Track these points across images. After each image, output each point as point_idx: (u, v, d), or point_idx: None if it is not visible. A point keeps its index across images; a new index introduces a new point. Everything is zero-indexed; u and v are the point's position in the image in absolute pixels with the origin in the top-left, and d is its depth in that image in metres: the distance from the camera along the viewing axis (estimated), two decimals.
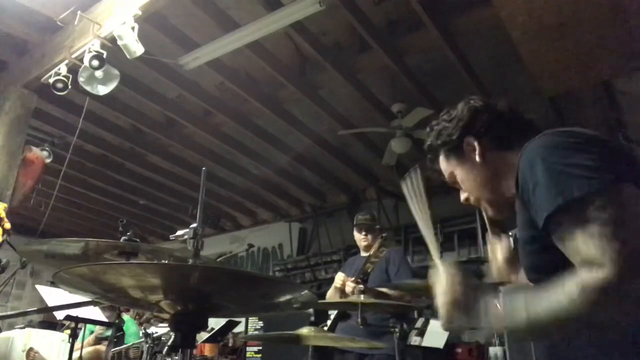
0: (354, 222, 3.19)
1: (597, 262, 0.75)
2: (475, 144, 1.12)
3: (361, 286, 2.52)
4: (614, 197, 0.79)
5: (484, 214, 1.35)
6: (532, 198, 0.87)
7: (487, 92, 4.27)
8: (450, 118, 1.18)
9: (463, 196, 1.21)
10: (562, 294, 0.78)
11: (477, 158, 1.12)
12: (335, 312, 2.96)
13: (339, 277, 2.82)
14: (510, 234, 1.35)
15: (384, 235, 2.59)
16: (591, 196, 0.78)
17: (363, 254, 3.11)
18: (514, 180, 0.94)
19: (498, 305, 0.90)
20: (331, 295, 2.90)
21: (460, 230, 5.62)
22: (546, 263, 0.91)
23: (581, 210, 0.78)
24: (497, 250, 1.35)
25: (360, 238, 3.14)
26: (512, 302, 0.87)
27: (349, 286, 2.66)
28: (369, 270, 2.62)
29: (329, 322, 2.97)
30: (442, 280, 1.01)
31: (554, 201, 0.81)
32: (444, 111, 1.22)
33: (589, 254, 0.76)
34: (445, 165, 1.21)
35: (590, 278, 0.75)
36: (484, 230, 1.39)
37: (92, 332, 3.45)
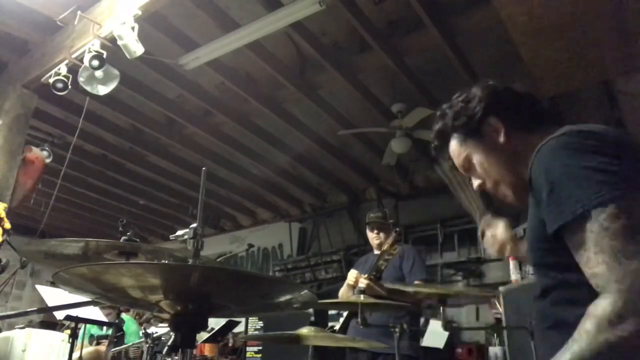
0: (366, 221, 3.16)
1: (601, 282, 0.75)
2: (500, 124, 1.07)
3: (362, 285, 2.51)
4: (629, 205, 0.77)
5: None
6: (546, 200, 0.85)
7: None
8: (469, 99, 1.12)
9: (477, 183, 1.14)
10: (584, 337, 0.75)
11: (501, 139, 1.07)
12: (347, 312, 2.95)
13: (352, 274, 2.78)
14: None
15: (397, 230, 2.57)
16: (607, 204, 0.77)
17: (376, 251, 3.08)
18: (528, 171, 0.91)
19: None
20: (344, 292, 2.87)
21: (460, 230, 5.62)
22: (553, 263, 0.90)
23: (594, 219, 0.77)
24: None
25: (372, 236, 3.11)
26: None
27: (362, 283, 2.63)
28: (382, 267, 2.60)
29: (341, 320, 2.95)
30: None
31: (569, 210, 0.79)
32: (457, 94, 1.16)
33: (595, 270, 0.76)
34: (459, 149, 1.14)
35: (599, 310, 0.74)
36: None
37: (91, 335, 3.45)
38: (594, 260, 0.76)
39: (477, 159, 1.11)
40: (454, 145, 1.16)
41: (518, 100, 1.10)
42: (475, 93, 1.12)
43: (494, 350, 4.62)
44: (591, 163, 0.81)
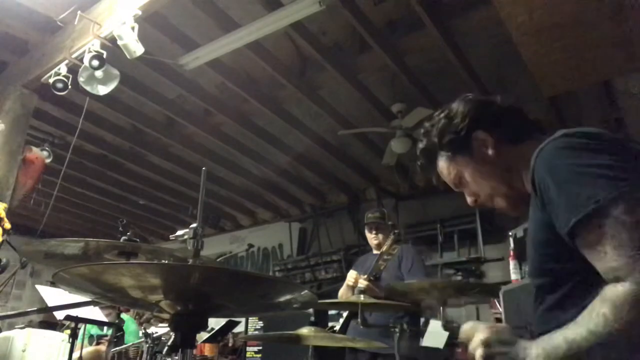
0: (364, 221, 3.15)
1: (622, 274, 0.73)
2: (488, 137, 1.06)
3: (362, 286, 2.50)
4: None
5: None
6: (555, 200, 0.83)
7: (487, 92, 4.26)
8: (452, 114, 1.11)
9: (470, 199, 1.13)
10: (597, 318, 0.75)
11: (490, 152, 1.05)
12: (347, 312, 2.95)
13: (351, 275, 2.78)
14: (510, 233, 1.34)
15: (396, 231, 2.57)
16: (619, 199, 0.76)
17: (375, 252, 3.08)
18: (529, 176, 0.90)
19: (534, 347, 0.83)
20: (343, 293, 2.87)
21: (460, 230, 5.62)
22: (558, 268, 0.88)
23: (609, 214, 0.76)
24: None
25: (371, 237, 3.10)
26: (550, 339, 0.81)
27: (362, 283, 2.62)
28: (381, 268, 2.60)
29: (341, 320, 2.95)
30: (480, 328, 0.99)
31: (582, 206, 0.78)
32: (438, 111, 1.15)
33: (615, 264, 0.75)
34: (449, 166, 1.12)
35: (618, 294, 0.73)
36: (484, 230, 1.38)
37: (91, 335, 3.45)
38: (612, 254, 0.75)
39: (469, 174, 1.10)
40: (442, 163, 1.14)
41: (502, 112, 1.09)
42: (457, 108, 1.11)
43: None
44: (595, 161, 0.81)
